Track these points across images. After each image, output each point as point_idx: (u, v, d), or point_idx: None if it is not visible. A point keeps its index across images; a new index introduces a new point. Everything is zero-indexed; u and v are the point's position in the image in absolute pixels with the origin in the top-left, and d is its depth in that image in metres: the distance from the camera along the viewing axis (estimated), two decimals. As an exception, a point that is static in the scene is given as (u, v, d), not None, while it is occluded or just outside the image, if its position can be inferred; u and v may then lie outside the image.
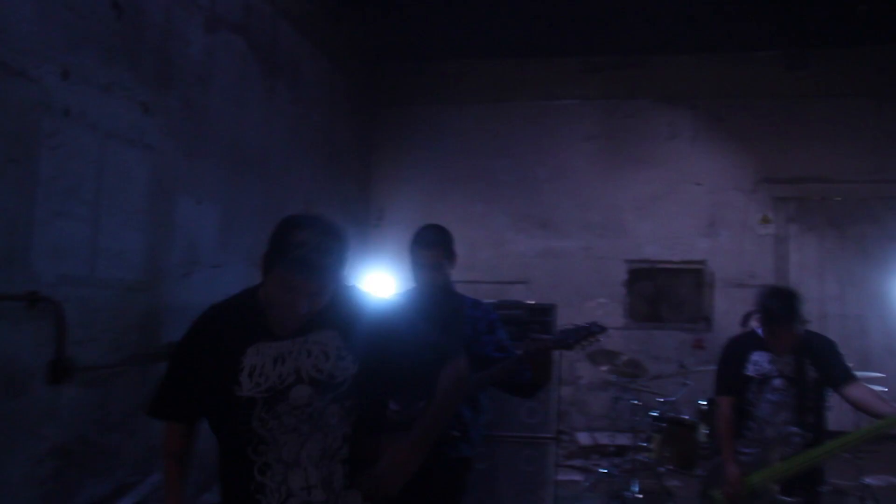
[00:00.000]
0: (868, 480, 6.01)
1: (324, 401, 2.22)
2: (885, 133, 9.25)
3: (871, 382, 5.89)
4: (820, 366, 4.02)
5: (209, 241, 6.03)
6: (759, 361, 4.09)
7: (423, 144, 10.08)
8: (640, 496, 6.54)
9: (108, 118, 4.61)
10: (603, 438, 8.45)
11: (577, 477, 7.71)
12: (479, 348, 3.78)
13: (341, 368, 2.25)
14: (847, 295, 9.18)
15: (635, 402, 7.10)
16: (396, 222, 9.50)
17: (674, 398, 7.01)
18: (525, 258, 9.55)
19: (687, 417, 6.66)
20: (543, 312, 6.43)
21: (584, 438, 8.78)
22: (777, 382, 4.04)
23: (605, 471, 7.21)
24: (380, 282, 8.00)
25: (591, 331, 3.70)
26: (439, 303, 3.87)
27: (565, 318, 8.82)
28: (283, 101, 7.53)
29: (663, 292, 9.58)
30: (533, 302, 6.85)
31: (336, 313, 2.31)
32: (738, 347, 4.23)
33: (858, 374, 5.66)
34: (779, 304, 3.96)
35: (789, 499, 3.95)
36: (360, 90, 9.93)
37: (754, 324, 4.16)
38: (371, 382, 2.29)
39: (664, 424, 6.63)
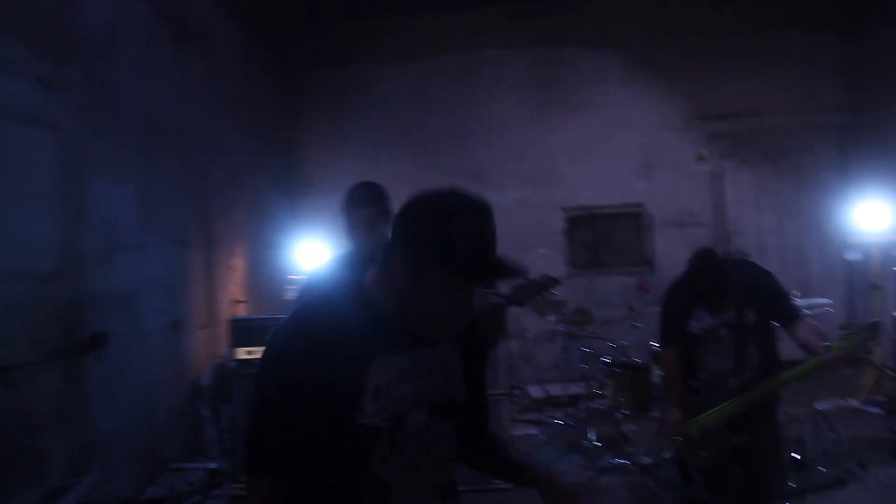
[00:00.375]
0: (819, 406, 6.05)
1: (441, 428, 1.83)
2: (813, 63, 9.28)
3: (819, 308, 6.12)
4: (762, 309, 3.96)
5: (128, 222, 5.69)
6: (702, 317, 4.01)
7: (350, 107, 9.79)
8: (598, 444, 6.48)
9: (0, 96, 4.24)
10: (555, 390, 8.41)
11: (532, 431, 7.63)
12: None
13: (460, 389, 1.88)
14: (785, 225, 9.27)
15: (586, 349, 7.02)
16: (327, 189, 9.23)
17: (626, 342, 6.95)
18: None
19: (639, 361, 6.60)
20: None
21: (535, 391, 8.70)
22: (722, 332, 3.99)
23: (561, 422, 7.14)
24: (311, 251, 7.75)
25: (544, 284, 3.45)
26: None
27: None
28: (198, 70, 7.16)
29: (603, 238, 9.53)
30: None
31: None
32: (680, 303, 4.09)
33: (806, 300, 5.90)
34: (709, 287, 3.87)
35: (739, 436, 3.99)
36: (281, 55, 9.58)
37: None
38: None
39: (617, 370, 6.55)
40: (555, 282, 3.45)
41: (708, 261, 3.88)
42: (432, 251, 1.65)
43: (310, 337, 1.74)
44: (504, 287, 3.51)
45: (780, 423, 4.24)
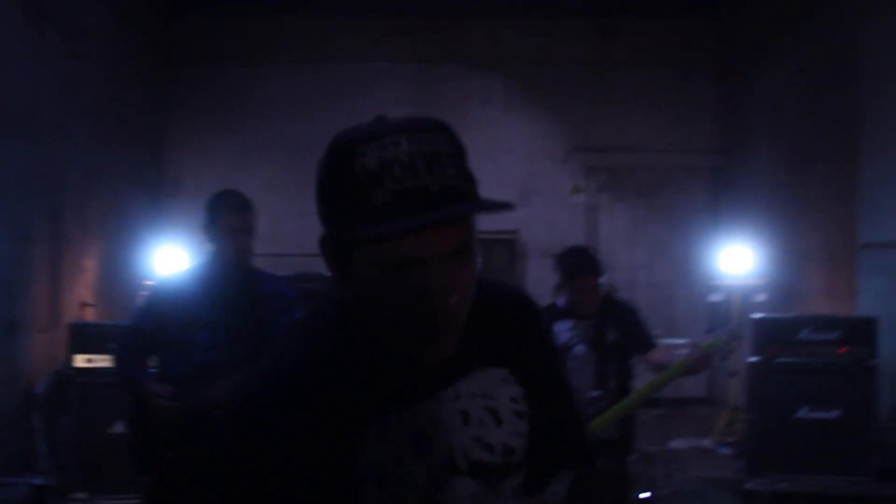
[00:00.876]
0: (674, 444, 6.08)
1: (499, 495, 1.26)
2: (689, 105, 9.46)
3: (680, 349, 6.12)
4: (623, 330, 3.98)
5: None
6: (560, 332, 3.94)
7: (224, 108, 9.38)
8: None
9: None
10: None
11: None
12: (273, 330, 3.47)
13: (520, 434, 1.28)
14: (655, 263, 9.39)
15: None
16: (194, 192, 8.73)
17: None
18: None
19: None
20: None
21: None
22: (579, 349, 3.93)
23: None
24: (172, 256, 7.34)
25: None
26: (234, 279, 3.50)
27: None
28: (56, 53, 6.66)
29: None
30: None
31: (492, 331, 1.30)
32: None
33: (666, 340, 5.94)
34: (578, 259, 3.94)
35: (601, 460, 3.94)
36: (154, 47, 9.09)
37: (559, 298, 4.07)
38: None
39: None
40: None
41: (575, 244, 4.13)
42: (339, 206, 1.12)
43: (272, 422, 1.14)
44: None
45: (630, 462, 4.21)
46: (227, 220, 3.42)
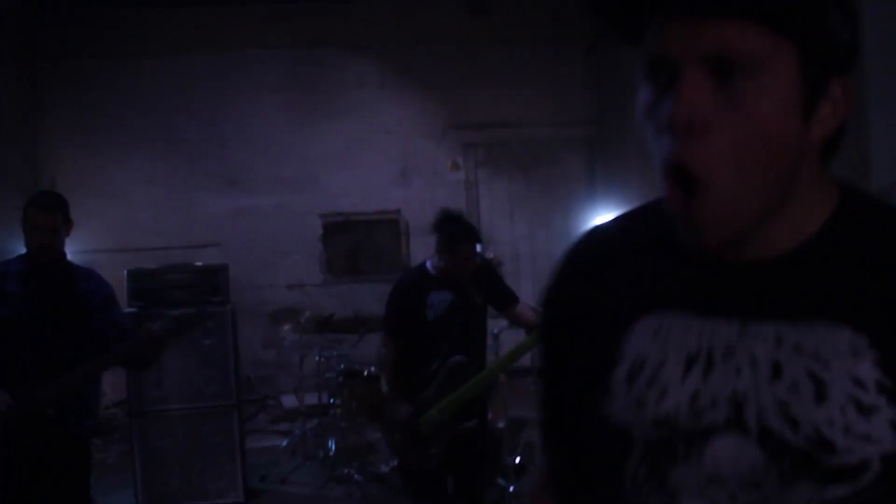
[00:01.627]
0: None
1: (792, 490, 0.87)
2: (562, 79, 9.56)
3: None
4: (489, 291, 4.12)
5: None
6: (436, 304, 4.05)
7: (100, 103, 9.20)
8: (332, 454, 6.53)
9: None
10: (310, 399, 8.13)
11: (281, 442, 7.58)
12: (94, 325, 3.66)
13: (857, 436, 0.85)
14: (536, 235, 9.50)
15: (324, 357, 7.00)
16: (72, 190, 8.57)
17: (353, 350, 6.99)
18: (216, 219, 9.04)
19: (371, 369, 6.54)
20: (214, 274, 6.17)
21: (288, 401, 8.56)
22: (456, 316, 4.03)
23: (298, 432, 7.15)
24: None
25: (200, 317, 3.91)
26: (50, 273, 3.61)
27: (263, 279, 9.04)
28: None
29: (361, 245, 9.50)
30: (201, 264, 6.64)
31: (868, 277, 0.91)
32: (413, 290, 4.13)
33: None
34: (457, 227, 4.00)
35: (468, 423, 4.03)
36: (19, 41, 8.89)
37: (430, 261, 4.17)
38: None
39: (349, 378, 6.54)
40: (206, 317, 4.03)
41: (450, 210, 4.14)
42: None
43: (589, 265, 1.09)
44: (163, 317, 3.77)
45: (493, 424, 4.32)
46: (32, 219, 3.56)
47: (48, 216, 3.57)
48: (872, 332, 0.87)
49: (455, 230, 3.99)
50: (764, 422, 0.88)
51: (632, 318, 0.99)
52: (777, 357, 0.89)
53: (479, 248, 4.06)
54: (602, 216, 7.77)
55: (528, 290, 6.93)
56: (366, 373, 6.45)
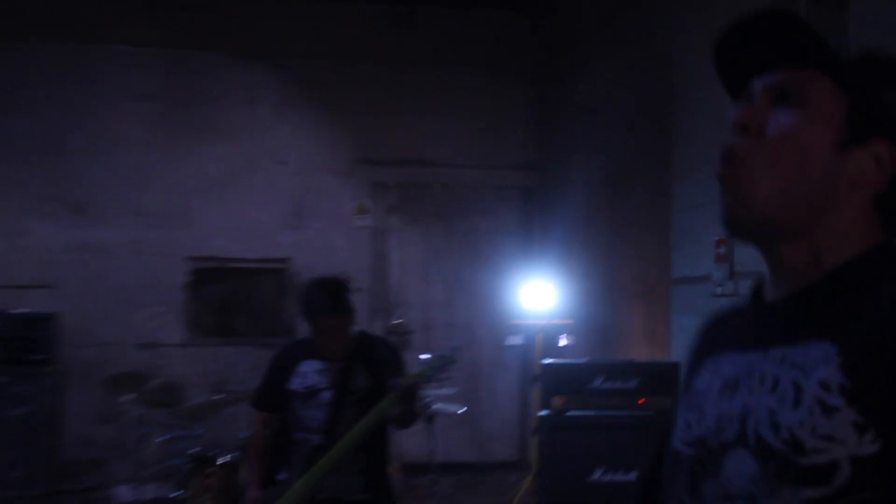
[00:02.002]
0: None
1: (777, 497, 0.96)
2: (498, 112, 8.69)
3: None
4: (377, 374, 3.84)
5: None
6: (306, 372, 3.85)
7: None
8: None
9: None
10: (150, 492, 7.20)
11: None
12: None
13: (822, 436, 0.94)
14: (454, 300, 8.63)
15: (167, 438, 6.42)
16: None
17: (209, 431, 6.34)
18: (51, 253, 7.76)
19: (228, 457, 5.77)
20: (36, 324, 5.87)
21: (123, 494, 7.47)
22: (325, 396, 3.81)
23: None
24: None
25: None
26: None
27: (106, 334, 7.53)
28: None
29: (237, 299, 8.53)
30: (18, 311, 6.24)
31: (840, 306, 1.06)
32: (287, 356, 3.98)
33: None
34: (319, 297, 3.76)
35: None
36: None
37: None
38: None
39: (192, 466, 5.89)
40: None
41: (326, 275, 3.94)
42: None
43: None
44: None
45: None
46: None
47: None
48: (842, 340, 1.02)
49: (318, 298, 3.75)
50: (758, 432, 1.03)
51: (700, 361, 1.23)
52: (777, 373, 1.05)
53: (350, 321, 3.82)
54: (538, 281, 7.04)
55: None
56: (220, 461, 5.75)
